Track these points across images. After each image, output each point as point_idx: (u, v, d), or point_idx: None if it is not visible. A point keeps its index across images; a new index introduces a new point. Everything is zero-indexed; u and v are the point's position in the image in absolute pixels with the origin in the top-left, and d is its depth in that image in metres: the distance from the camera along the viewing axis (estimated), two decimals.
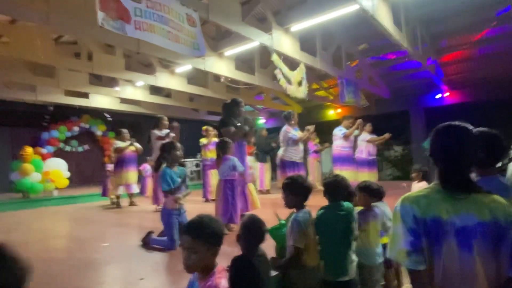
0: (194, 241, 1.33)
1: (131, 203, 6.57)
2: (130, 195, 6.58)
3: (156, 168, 3.41)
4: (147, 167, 7.79)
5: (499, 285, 1.04)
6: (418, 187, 3.93)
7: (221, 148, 3.85)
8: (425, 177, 3.85)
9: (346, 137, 6.16)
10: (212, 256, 1.38)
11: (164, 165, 3.23)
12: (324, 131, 8.95)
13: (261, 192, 8.02)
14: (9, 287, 0.89)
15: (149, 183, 7.76)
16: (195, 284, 1.39)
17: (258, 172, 8.26)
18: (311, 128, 5.91)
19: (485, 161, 1.58)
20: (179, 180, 3.15)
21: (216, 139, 6.84)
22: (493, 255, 1.03)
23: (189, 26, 3.90)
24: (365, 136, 6.64)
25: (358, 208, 2.41)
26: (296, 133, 5.65)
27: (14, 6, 4.04)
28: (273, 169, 8.50)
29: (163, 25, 3.50)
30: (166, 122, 5.88)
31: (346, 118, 6.43)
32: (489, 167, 1.61)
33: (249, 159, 8.55)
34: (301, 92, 6.10)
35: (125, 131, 6.58)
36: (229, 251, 2.69)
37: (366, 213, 2.25)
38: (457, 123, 1.17)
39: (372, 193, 2.28)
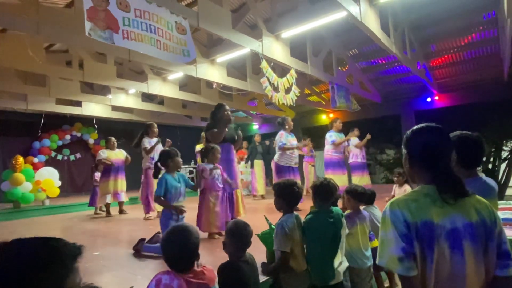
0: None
1: (121, 211, 6.49)
2: (120, 203, 6.50)
3: (155, 174, 3.41)
4: None
5: (488, 285, 1.05)
6: (403, 191, 3.97)
7: (203, 154, 3.87)
8: (407, 180, 3.88)
9: (336, 145, 6.25)
10: (172, 267, 1.42)
11: (163, 171, 3.24)
12: (318, 136, 9.03)
13: (254, 197, 8.03)
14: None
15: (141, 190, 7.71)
16: None
17: (250, 177, 8.28)
18: (306, 142, 5.94)
19: (468, 163, 1.62)
20: (179, 185, 3.16)
21: None
22: (482, 256, 1.05)
23: (178, 34, 3.93)
24: (354, 140, 6.69)
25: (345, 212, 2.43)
26: (287, 139, 5.65)
27: (4, 16, 4.04)
28: (267, 174, 8.54)
29: (151, 34, 3.52)
30: (156, 130, 5.85)
31: (335, 121, 6.50)
32: (472, 168, 1.65)
33: (241, 165, 8.64)
34: (288, 98, 6.13)
35: (113, 138, 6.50)
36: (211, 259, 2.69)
37: (353, 216, 2.26)
38: (433, 124, 1.19)
39: (358, 196, 2.30)
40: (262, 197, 8.05)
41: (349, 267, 2.12)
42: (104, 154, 6.25)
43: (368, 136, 6.67)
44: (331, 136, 6.33)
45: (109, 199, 6.24)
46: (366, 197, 2.37)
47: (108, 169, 6.24)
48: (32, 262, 0.63)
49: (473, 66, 8.57)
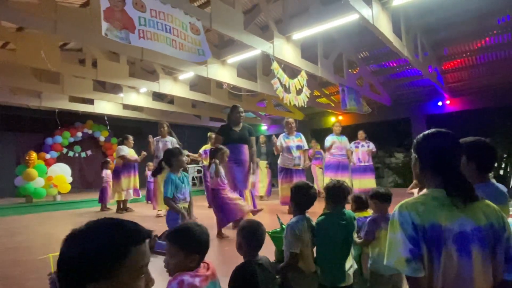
0: (171, 245, 1.40)
1: (126, 209, 6.58)
2: (125, 201, 6.58)
3: (154, 172, 3.44)
4: (148, 173, 7.87)
5: None
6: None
7: (210, 155, 3.97)
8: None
9: (328, 149, 6.38)
10: (190, 263, 1.38)
11: (168, 171, 3.26)
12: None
13: (261, 198, 8.07)
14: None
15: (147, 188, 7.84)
16: None
17: (254, 178, 8.31)
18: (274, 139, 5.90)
19: (479, 168, 1.63)
20: (183, 185, 3.19)
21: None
22: (490, 260, 1.06)
23: (192, 34, 3.98)
24: (353, 144, 6.76)
25: (364, 214, 2.40)
26: (285, 141, 5.68)
27: (23, 15, 4.15)
28: (274, 175, 8.58)
29: (167, 34, 3.58)
30: (164, 129, 5.92)
31: (334, 124, 6.66)
32: (484, 174, 1.65)
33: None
34: (300, 100, 6.15)
35: (131, 137, 6.64)
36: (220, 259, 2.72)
37: (378, 220, 2.17)
38: (444, 129, 1.20)
39: (382, 197, 2.22)
40: (261, 197, 8.09)
41: (371, 271, 2.11)
42: (126, 150, 6.37)
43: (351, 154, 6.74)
44: (327, 141, 6.49)
45: (131, 194, 6.37)
46: (389, 196, 2.28)
47: (130, 166, 6.37)
48: (94, 241, 0.74)
49: (486, 70, 8.45)
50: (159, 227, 4.27)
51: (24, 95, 8.09)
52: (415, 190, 3.95)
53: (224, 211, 3.84)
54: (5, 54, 5.76)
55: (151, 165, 7.86)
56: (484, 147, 1.64)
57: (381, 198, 2.20)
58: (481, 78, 8.72)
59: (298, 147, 5.69)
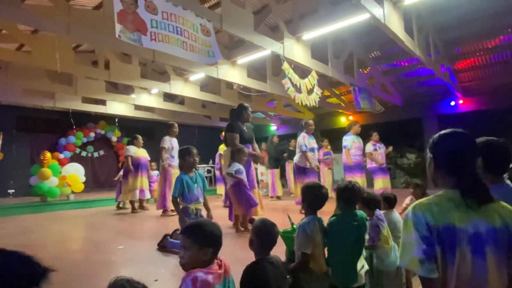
0: (185, 239, 1.43)
1: (142, 207, 6.66)
2: (141, 200, 6.67)
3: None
4: (151, 173, 7.93)
5: None
6: None
7: (232, 155, 4.03)
8: (424, 194, 3.36)
9: (347, 150, 6.29)
10: (204, 256, 1.41)
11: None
12: (336, 138, 8.95)
13: (272, 198, 8.08)
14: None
15: (155, 188, 7.88)
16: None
17: (270, 178, 8.32)
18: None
19: (494, 169, 1.60)
20: (195, 185, 3.21)
21: None
22: (505, 261, 1.05)
23: (203, 36, 4.02)
24: (369, 147, 6.66)
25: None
26: (309, 142, 5.69)
27: (37, 18, 4.23)
28: (282, 175, 8.63)
29: (178, 36, 3.62)
30: (176, 129, 6.00)
31: (354, 124, 6.53)
32: (498, 175, 1.63)
33: (261, 166, 8.72)
34: (311, 99, 6.14)
35: (140, 137, 6.70)
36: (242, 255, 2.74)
37: (377, 223, 2.19)
38: (461, 129, 1.19)
39: (389, 202, 2.24)
40: (278, 198, 8.11)
41: (379, 270, 2.12)
42: (133, 150, 6.44)
43: (390, 149, 6.72)
44: (345, 140, 6.42)
45: (137, 195, 6.43)
46: (377, 203, 2.30)
47: (137, 166, 6.43)
48: None
49: (500, 69, 8.29)
50: (170, 226, 4.32)
51: (38, 96, 8.25)
52: (408, 198, 3.70)
53: (247, 200, 4.04)
54: (21, 56, 5.90)
55: (154, 165, 7.92)
56: (497, 147, 1.61)
57: (388, 202, 2.22)
58: (495, 77, 8.55)
59: (317, 149, 5.87)
